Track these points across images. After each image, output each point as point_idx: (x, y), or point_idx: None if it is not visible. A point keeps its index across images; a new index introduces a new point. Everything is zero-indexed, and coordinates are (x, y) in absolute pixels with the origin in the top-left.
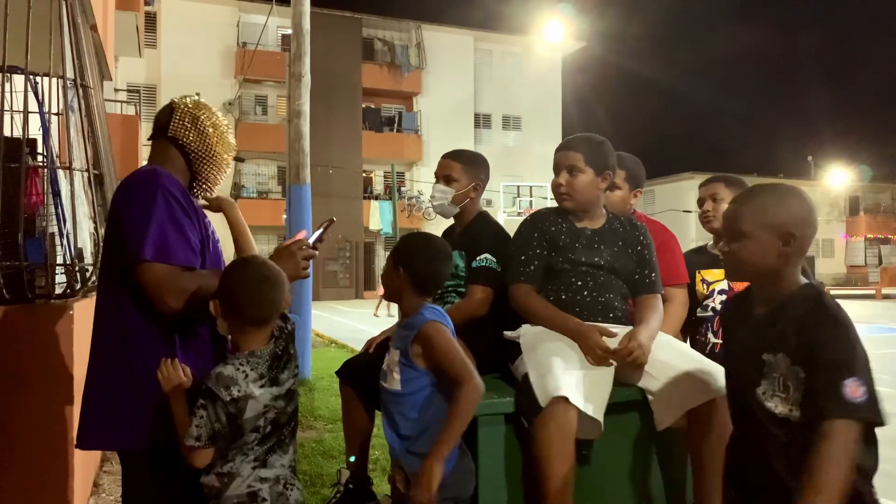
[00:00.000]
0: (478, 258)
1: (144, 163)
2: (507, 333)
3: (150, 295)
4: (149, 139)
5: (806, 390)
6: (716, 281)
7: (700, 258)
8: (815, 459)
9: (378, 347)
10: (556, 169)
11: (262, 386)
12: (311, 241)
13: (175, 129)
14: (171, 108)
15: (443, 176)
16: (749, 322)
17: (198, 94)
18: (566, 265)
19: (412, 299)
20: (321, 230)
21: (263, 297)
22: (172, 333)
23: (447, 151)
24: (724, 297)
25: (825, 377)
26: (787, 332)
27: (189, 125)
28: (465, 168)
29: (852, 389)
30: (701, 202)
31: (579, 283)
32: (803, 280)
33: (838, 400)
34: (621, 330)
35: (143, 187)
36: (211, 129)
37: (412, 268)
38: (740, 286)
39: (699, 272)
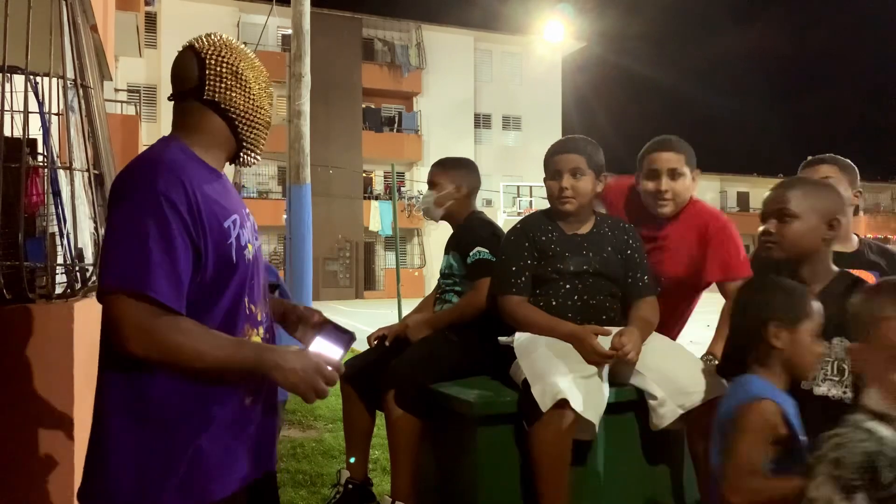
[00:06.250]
0: (471, 253)
1: None
2: (502, 339)
3: (110, 329)
4: (169, 99)
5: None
6: None
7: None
8: None
9: (379, 344)
10: (557, 172)
11: None
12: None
13: (214, 89)
14: (199, 60)
15: (429, 182)
16: None
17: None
18: (555, 274)
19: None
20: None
21: None
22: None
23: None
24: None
25: None
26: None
27: (231, 82)
28: (446, 172)
29: None
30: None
31: (568, 286)
32: None
33: None
34: (615, 331)
35: (135, 189)
36: (253, 81)
37: None
38: None
39: None
